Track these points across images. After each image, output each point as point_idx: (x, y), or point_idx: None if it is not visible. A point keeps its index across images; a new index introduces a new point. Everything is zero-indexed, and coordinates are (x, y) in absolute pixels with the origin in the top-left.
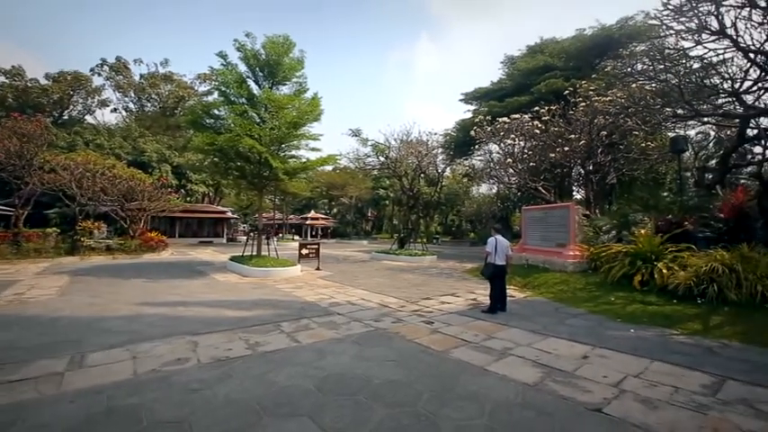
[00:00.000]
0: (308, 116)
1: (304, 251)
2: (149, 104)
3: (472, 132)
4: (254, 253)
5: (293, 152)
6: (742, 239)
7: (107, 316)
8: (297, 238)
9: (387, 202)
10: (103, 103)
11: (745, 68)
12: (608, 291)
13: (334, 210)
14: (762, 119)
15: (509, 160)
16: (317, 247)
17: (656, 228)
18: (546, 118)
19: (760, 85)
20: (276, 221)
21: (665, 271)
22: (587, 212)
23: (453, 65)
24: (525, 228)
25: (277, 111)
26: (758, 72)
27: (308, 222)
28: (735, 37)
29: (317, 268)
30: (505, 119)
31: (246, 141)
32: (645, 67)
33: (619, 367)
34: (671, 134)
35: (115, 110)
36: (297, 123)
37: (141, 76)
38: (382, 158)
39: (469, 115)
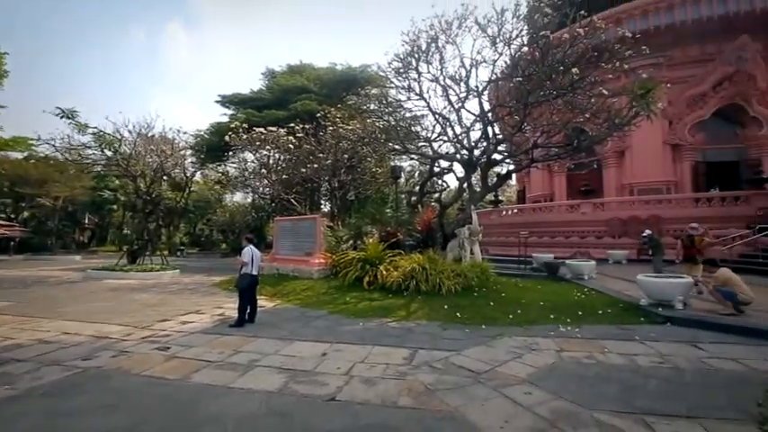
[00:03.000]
0: None
1: None
2: None
3: (227, 138)
4: None
5: None
6: (430, 246)
7: None
8: None
9: (115, 206)
10: None
11: (434, 124)
12: (345, 292)
13: (26, 214)
14: (442, 161)
15: (264, 171)
16: None
17: (380, 237)
18: (300, 135)
19: (441, 137)
20: None
21: (384, 272)
22: (332, 224)
23: (210, 62)
24: (277, 238)
25: None
26: (440, 128)
27: None
28: (428, 100)
29: None
30: (262, 129)
31: None
32: (376, 107)
33: (350, 357)
34: (392, 164)
35: None
36: None
37: None
38: (110, 153)
39: (226, 119)
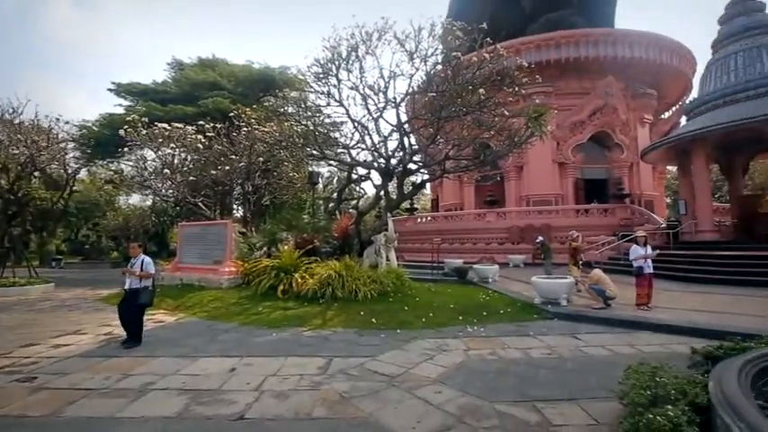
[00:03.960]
0: None
1: None
2: None
3: (122, 132)
4: None
5: None
6: (347, 252)
7: None
8: None
9: None
10: None
11: (353, 132)
12: (258, 302)
13: None
14: (360, 169)
15: (167, 171)
16: None
17: (296, 244)
18: (211, 134)
19: (360, 145)
20: None
21: (299, 280)
22: (244, 230)
23: (102, 42)
24: (182, 245)
25: None
26: (358, 136)
27: None
28: (347, 108)
29: None
30: (166, 125)
31: None
32: (294, 111)
33: (261, 371)
34: (310, 169)
35: None
36: None
37: None
38: None
39: (121, 111)
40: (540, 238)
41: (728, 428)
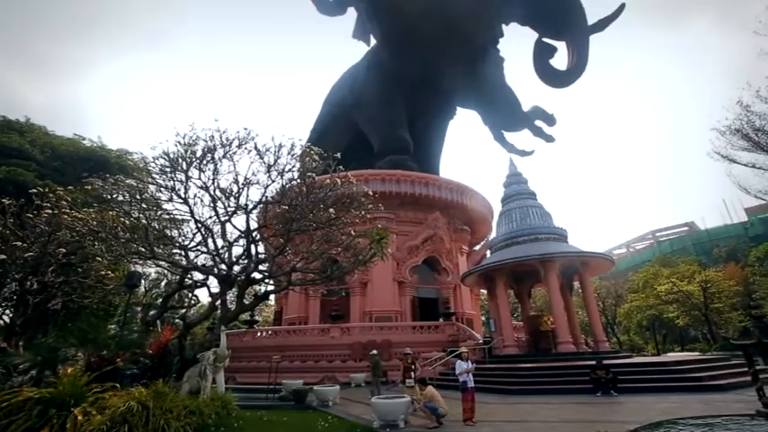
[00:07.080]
0: None
1: None
2: None
3: None
4: None
5: None
6: (162, 374)
7: None
8: None
9: None
10: None
11: (194, 232)
12: None
13: None
14: (196, 273)
15: None
16: None
17: (88, 365)
18: None
19: (200, 248)
20: None
21: (80, 418)
22: (5, 345)
23: None
24: None
25: None
26: (200, 238)
27: None
28: (192, 207)
29: None
30: None
31: None
32: (126, 200)
33: None
34: (133, 268)
35: None
36: None
37: None
38: None
39: None
40: (374, 352)
41: None
